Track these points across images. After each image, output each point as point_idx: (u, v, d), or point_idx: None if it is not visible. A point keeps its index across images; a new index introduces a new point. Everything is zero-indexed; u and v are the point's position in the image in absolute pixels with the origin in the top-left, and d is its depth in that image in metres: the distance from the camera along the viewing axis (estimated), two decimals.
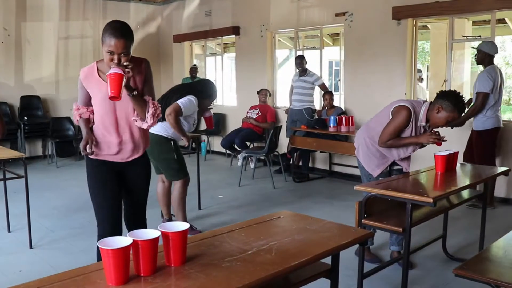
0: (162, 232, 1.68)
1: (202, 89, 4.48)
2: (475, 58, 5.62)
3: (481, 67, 5.55)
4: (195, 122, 4.51)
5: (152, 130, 4.09)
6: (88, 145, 2.86)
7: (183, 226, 1.74)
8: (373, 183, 3.25)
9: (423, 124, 3.55)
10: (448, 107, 3.40)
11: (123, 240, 1.60)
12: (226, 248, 1.87)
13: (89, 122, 2.99)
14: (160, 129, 4.36)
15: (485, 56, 5.45)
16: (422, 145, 3.63)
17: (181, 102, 4.25)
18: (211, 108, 4.79)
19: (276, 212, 2.42)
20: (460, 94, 3.48)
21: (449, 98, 3.41)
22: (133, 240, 1.60)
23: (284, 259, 1.78)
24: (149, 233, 1.65)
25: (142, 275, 1.61)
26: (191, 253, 1.79)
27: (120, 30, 2.61)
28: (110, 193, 2.93)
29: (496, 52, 5.49)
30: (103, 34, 2.64)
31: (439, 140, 3.48)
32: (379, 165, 3.69)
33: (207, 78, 4.58)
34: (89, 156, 2.91)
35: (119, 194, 2.99)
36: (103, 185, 2.94)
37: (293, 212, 2.41)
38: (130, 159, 2.98)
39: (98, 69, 2.82)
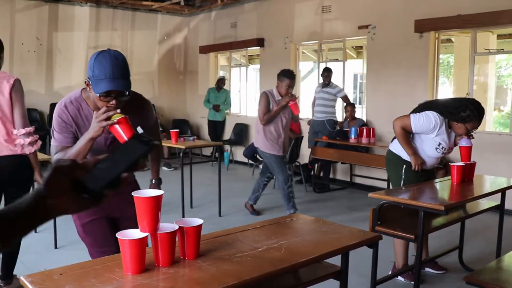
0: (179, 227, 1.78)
1: (454, 111, 3.46)
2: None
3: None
4: (442, 148, 3.57)
5: (390, 147, 3.83)
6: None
7: (197, 221, 1.84)
8: (387, 191, 3.31)
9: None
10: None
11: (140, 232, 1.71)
12: (238, 245, 1.97)
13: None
14: (396, 145, 3.78)
15: None
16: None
17: (415, 114, 3.58)
18: (472, 136, 3.63)
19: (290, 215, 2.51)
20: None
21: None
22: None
23: (293, 256, 1.86)
24: (167, 227, 1.76)
25: (161, 265, 1.71)
26: (204, 248, 1.89)
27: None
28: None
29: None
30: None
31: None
32: None
33: (471, 98, 3.67)
34: None
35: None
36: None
37: (305, 215, 2.49)
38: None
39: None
